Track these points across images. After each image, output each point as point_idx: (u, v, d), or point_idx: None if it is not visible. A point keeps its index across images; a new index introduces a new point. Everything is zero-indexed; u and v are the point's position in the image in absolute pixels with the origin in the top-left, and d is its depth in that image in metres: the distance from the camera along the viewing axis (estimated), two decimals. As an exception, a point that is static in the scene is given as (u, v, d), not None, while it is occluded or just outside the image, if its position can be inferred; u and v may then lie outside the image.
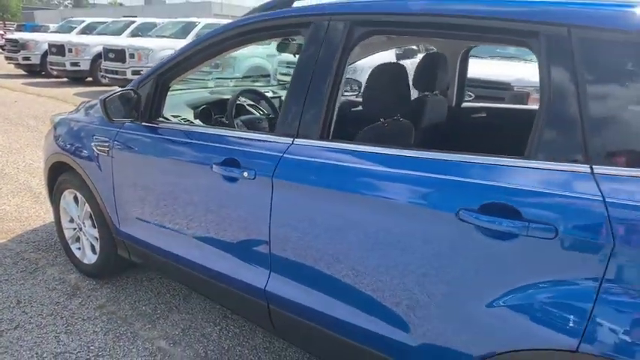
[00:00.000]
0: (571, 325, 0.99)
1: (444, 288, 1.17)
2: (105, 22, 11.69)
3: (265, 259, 1.52)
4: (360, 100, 2.47)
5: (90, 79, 9.88)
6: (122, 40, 9.05)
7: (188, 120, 2.19)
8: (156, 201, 1.88)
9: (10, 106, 7.11)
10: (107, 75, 8.48)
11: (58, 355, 1.84)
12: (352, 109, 2.63)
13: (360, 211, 1.27)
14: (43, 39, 10.78)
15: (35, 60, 10.82)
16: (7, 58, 11.45)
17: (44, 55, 10.41)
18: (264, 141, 1.51)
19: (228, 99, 2.29)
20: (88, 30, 11.46)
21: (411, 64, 2.34)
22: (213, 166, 1.57)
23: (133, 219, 2.01)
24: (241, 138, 1.59)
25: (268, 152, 1.46)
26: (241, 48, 1.79)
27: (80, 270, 2.43)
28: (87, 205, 2.25)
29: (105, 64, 8.53)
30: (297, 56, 1.52)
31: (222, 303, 1.87)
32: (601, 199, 0.97)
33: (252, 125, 2.14)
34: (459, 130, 2.35)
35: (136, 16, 15.68)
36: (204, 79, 5.46)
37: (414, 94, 2.17)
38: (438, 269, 1.17)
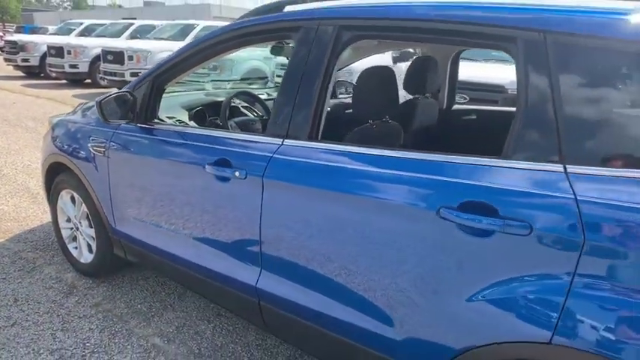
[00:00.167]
0: (544, 318, 1.03)
1: (426, 284, 1.22)
2: (104, 24, 11.74)
3: (256, 257, 1.57)
4: None
5: (89, 80, 9.93)
6: (121, 42, 9.10)
7: (183, 122, 2.23)
8: (151, 201, 1.93)
9: (8, 108, 7.15)
10: (106, 77, 8.53)
11: (54, 352, 1.87)
12: (346, 111, 2.67)
13: (346, 210, 1.32)
14: (41, 41, 10.83)
15: (34, 62, 10.86)
16: (6, 59, 11.50)
17: (43, 57, 10.45)
18: (255, 142, 1.55)
19: (222, 101, 2.33)
20: (86, 32, 11.51)
21: (406, 67, 2.38)
22: (206, 166, 1.61)
23: (128, 218, 2.05)
24: (233, 139, 1.63)
25: (259, 153, 1.50)
26: (234, 51, 1.84)
27: (77, 269, 2.47)
28: (83, 205, 2.29)
29: (103, 66, 8.58)
30: (288, 59, 1.56)
31: (215, 301, 1.91)
32: (573, 197, 1.01)
33: (245, 127, 2.18)
34: (449, 132, 2.39)
35: (135, 18, 15.76)
36: (202, 82, 5.50)
37: (408, 96, 2.22)
38: (421, 266, 1.22)
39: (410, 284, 1.24)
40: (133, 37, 10.11)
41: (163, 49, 8.02)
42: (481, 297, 1.13)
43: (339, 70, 2.91)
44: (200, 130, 1.85)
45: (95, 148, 2.08)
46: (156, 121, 1.95)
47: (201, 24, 9.03)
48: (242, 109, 2.40)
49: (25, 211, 3.27)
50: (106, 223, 2.16)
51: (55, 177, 2.44)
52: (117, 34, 10.50)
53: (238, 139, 1.62)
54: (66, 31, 12.16)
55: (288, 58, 2.38)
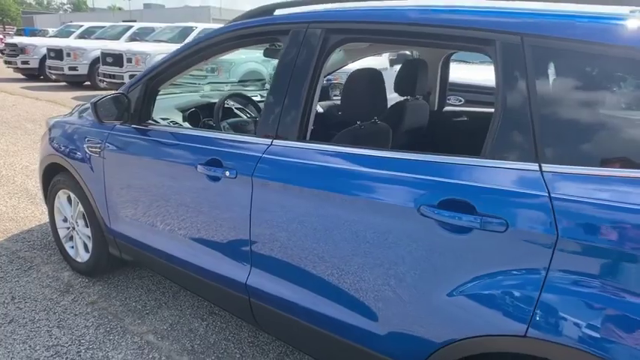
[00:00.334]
0: (520, 312, 1.07)
1: (409, 280, 1.25)
2: (103, 27, 11.80)
3: (246, 255, 1.60)
4: None
5: (88, 83, 9.99)
6: (120, 45, 9.16)
7: (177, 123, 2.27)
8: (144, 200, 1.96)
9: (8, 110, 7.20)
10: (105, 79, 8.58)
11: (50, 348, 1.91)
12: (339, 113, 2.71)
13: (332, 208, 1.35)
14: (41, 43, 10.89)
15: (34, 64, 10.92)
16: (6, 62, 11.56)
17: (43, 60, 10.51)
18: (245, 142, 1.59)
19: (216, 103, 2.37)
20: (86, 34, 11.58)
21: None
22: (198, 166, 1.65)
23: (123, 218, 2.09)
24: (224, 139, 1.67)
25: (249, 153, 1.54)
26: (226, 54, 1.88)
27: (73, 268, 2.51)
28: (80, 204, 2.33)
29: (103, 69, 8.63)
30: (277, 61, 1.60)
31: (207, 298, 1.94)
32: (547, 195, 1.05)
33: (238, 128, 2.22)
34: (439, 133, 2.44)
35: (135, 21, 15.82)
36: (200, 84, 5.55)
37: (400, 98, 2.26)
38: (404, 262, 1.25)
39: (393, 280, 1.27)
40: (132, 39, 10.17)
41: (162, 51, 8.07)
42: (461, 292, 1.16)
43: (335, 71, 2.96)
44: (192, 131, 1.88)
45: (91, 149, 2.12)
46: (150, 122, 1.99)
47: (199, 26, 9.08)
48: (236, 111, 2.44)
49: (23, 212, 3.31)
50: (102, 222, 2.20)
51: (52, 177, 2.48)
52: (116, 37, 10.56)
53: (229, 140, 1.65)
54: (66, 33, 12.22)
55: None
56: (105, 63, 8.53)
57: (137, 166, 1.96)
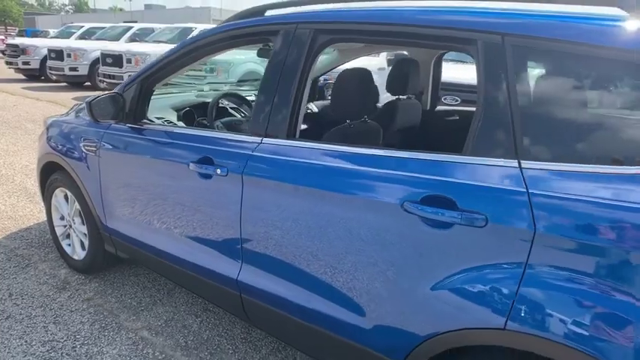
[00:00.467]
0: (499, 305, 1.09)
1: (394, 275, 1.28)
2: (104, 27, 11.85)
3: (237, 251, 1.63)
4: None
5: (88, 83, 10.03)
6: (120, 46, 9.21)
7: (172, 122, 2.30)
8: (138, 198, 1.99)
9: (9, 110, 7.24)
10: (105, 80, 8.63)
11: (46, 343, 1.94)
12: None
13: (319, 205, 1.38)
14: (42, 44, 10.95)
15: (35, 65, 10.98)
16: (7, 62, 11.62)
17: (44, 60, 10.57)
18: (236, 140, 1.62)
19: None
20: (87, 35, 11.63)
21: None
22: (190, 164, 1.68)
23: (118, 215, 2.12)
24: (216, 138, 1.70)
25: (239, 151, 1.57)
26: (218, 54, 1.91)
27: (70, 265, 2.54)
28: (76, 202, 2.36)
29: (102, 69, 8.68)
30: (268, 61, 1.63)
31: (200, 294, 1.97)
32: (525, 190, 1.07)
33: (232, 127, 2.25)
34: (432, 132, 2.46)
35: (136, 21, 15.87)
36: (199, 84, 5.58)
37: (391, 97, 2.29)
38: (389, 258, 1.27)
39: (379, 275, 1.30)
40: (132, 40, 10.22)
41: (161, 52, 8.08)
42: (443, 286, 1.19)
43: (330, 71, 2.99)
44: (185, 130, 1.92)
45: (87, 148, 2.15)
46: (145, 121, 2.02)
47: (199, 27, 9.12)
48: (230, 110, 2.47)
49: (22, 210, 3.34)
50: (98, 220, 2.23)
51: (50, 176, 2.51)
52: (116, 37, 10.61)
53: (220, 138, 1.68)
54: (66, 34, 12.28)
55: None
56: (105, 64, 8.58)
57: (132, 165, 1.99)
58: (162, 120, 2.23)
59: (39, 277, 2.46)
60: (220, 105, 2.46)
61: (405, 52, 6.32)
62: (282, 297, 1.53)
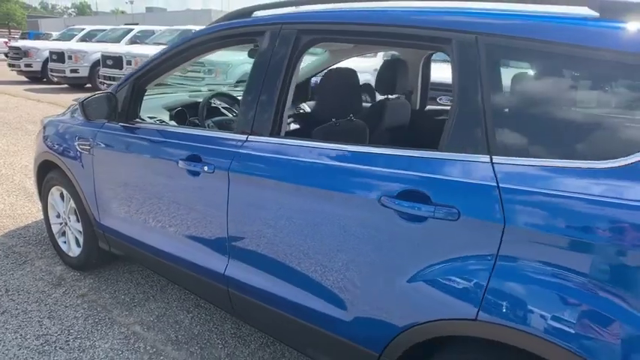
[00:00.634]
0: (471, 297, 1.12)
1: (373, 268, 1.31)
2: (104, 30, 11.94)
3: (224, 246, 1.67)
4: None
5: (89, 85, 10.11)
6: (120, 48, 9.29)
7: (164, 121, 2.34)
8: (130, 195, 2.04)
9: (10, 112, 7.32)
10: (105, 81, 8.70)
11: (40, 337, 1.98)
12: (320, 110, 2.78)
13: (300, 201, 1.42)
14: (44, 46, 11.04)
15: (36, 67, 11.07)
16: (9, 65, 11.71)
17: (45, 62, 10.65)
18: (223, 138, 1.66)
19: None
20: (88, 37, 11.72)
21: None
22: (179, 161, 1.72)
23: (111, 212, 2.16)
24: (204, 136, 1.74)
25: (226, 148, 1.61)
26: (208, 54, 1.96)
27: (66, 262, 2.59)
28: (71, 200, 2.41)
29: (103, 71, 8.76)
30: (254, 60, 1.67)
31: (190, 289, 2.01)
32: (495, 184, 1.11)
33: (222, 126, 2.29)
34: (421, 131, 2.49)
35: (137, 24, 15.98)
36: (197, 86, 5.63)
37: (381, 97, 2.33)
38: (368, 251, 1.30)
39: (357, 268, 1.34)
40: (132, 42, 10.29)
41: (161, 53, 8.15)
42: (419, 278, 1.22)
43: (322, 72, 3.03)
44: (175, 129, 1.96)
45: (81, 147, 2.20)
46: (137, 120, 2.07)
47: (198, 29, 9.17)
48: (222, 110, 2.51)
49: (20, 209, 3.39)
50: (92, 217, 2.27)
51: (46, 174, 2.56)
52: (117, 40, 10.69)
53: (208, 136, 1.73)
54: (68, 36, 12.38)
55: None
56: (105, 65, 8.65)
57: (123, 163, 2.03)
58: (155, 119, 2.28)
59: (35, 274, 2.50)
60: (213, 105, 2.50)
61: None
62: (267, 291, 1.57)
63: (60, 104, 8.17)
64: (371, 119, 2.11)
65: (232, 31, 1.76)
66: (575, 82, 1.15)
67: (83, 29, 12.46)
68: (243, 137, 1.59)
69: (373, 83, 2.34)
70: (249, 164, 1.54)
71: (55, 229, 2.63)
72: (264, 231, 1.54)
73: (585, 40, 1.08)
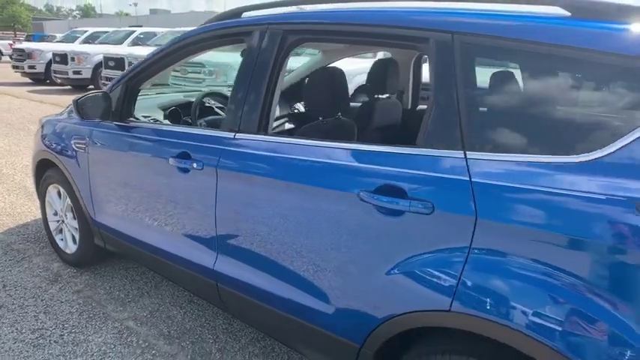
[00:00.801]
0: (445, 288, 1.15)
1: (353, 261, 1.34)
2: (107, 32, 12.05)
3: (213, 241, 1.71)
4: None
5: (91, 86, 10.18)
6: (122, 49, 9.37)
7: (158, 120, 2.39)
8: (124, 192, 2.08)
9: (13, 112, 7.41)
10: (107, 83, 8.76)
11: (35, 331, 2.03)
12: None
13: (284, 196, 1.46)
14: (47, 48, 11.15)
15: (40, 68, 11.18)
16: (13, 66, 11.83)
17: (49, 64, 10.76)
18: (211, 136, 1.70)
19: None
20: (91, 39, 11.83)
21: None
22: (170, 159, 1.76)
23: (105, 210, 2.21)
24: (193, 134, 1.79)
25: (214, 146, 1.65)
26: (199, 54, 2.00)
27: (63, 259, 2.64)
28: (68, 198, 2.46)
29: (105, 72, 8.84)
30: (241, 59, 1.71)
31: (182, 284, 2.05)
32: (468, 179, 1.14)
33: (214, 125, 2.34)
34: (412, 131, 2.52)
35: (141, 26, 16.09)
36: (198, 87, 5.68)
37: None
38: (348, 245, 1.34)
39: (339, 262, 1.37)
40: (134, 43, 10.39)
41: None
42: (397, 271, 1.26)
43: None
44: (167, 127, 2.00)
45: (77, 145, 2.25)
46: (131, 119, 2.11)
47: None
48: (216, 109, 2.56)
49: (20, 208, 3.45)
50: (87, 215, 2.32)
51: (44, 173, 2.61)
52: (119, 41, 10.78)
53: (197, 134, 1.77)
54: (71, 38, 12.50)
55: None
56: (107, 67, 8.74)
57: (117, 161, 2.08)
58: (149, 118, 2.32)
59: (32, 270, 2.55)
60: (207, 104, 2.55)
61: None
62: (254, 285, 1.60)
63: (62, 105, 8.23)
64: (360, 119, 2.14)
65: (222, 32, 1.80)
66: (545, 80, 1.18)
67: (86, 31, 12.58)
68: (231, 135, 1.63)
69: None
70: (236, 161, 1.58)
71: (52, 226, 2.68)
72: (250, 226, 1.57)
73: (557, 39, 1.12)
